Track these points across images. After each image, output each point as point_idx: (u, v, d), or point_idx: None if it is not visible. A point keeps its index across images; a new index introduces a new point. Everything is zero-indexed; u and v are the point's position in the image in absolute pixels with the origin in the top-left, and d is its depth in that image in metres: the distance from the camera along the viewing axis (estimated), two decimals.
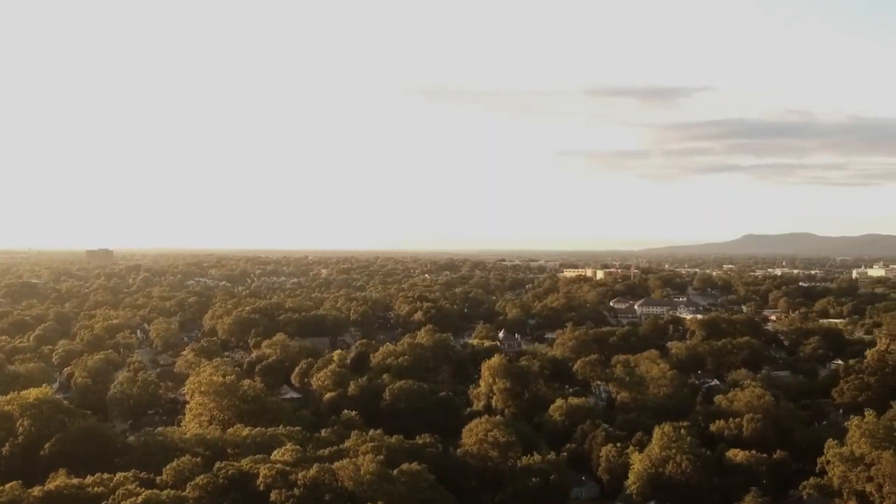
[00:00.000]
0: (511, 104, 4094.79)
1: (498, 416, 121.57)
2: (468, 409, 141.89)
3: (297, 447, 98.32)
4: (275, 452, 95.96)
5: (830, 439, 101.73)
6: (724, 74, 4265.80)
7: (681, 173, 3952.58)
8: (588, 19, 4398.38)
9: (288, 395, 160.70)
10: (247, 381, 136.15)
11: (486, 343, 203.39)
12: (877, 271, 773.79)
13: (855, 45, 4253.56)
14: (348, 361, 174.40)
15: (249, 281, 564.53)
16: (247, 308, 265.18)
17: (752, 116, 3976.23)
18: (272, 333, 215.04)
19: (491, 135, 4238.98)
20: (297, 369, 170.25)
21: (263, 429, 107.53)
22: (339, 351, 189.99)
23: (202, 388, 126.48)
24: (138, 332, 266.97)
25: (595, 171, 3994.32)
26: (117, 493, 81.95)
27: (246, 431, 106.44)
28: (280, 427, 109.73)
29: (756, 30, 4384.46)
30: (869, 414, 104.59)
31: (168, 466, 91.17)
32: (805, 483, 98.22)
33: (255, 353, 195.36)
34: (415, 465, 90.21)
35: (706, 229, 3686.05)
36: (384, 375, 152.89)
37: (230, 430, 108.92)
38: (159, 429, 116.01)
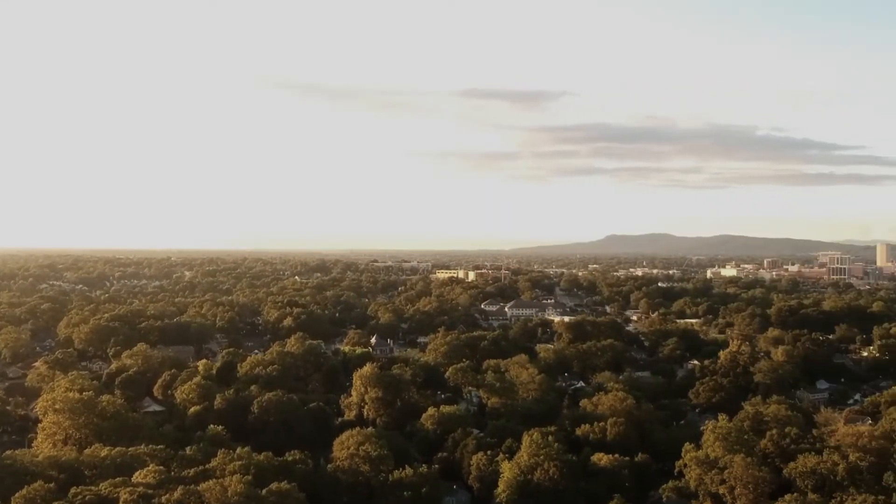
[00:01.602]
0: (382, 103, 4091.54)
1: (370, 428, 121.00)
2: (340, 420, 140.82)
3: (161, 467, 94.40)
4: (136, 474, 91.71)
5: (687, 443, 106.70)
6: (588, 80, 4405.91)
7: (548, 175, 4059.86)
8: (458, 21, 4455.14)
9: (150, 409, 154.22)
10: (106, 397, 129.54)
11: (359, 350, 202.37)
12: (729, 271, 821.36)
13: (712, 53, 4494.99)
14: (214, 372, 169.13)
15: (108, 284, 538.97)
16: (105, 315, 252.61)
17: (615, 121, 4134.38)
18: (133, 342, 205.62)
19: (361, 133, 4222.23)
20: (159, 381, 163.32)
21: (124, 448, 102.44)
22: (204, 360, 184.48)
23: (56, 406, 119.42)
24: None
25: (466, 172, 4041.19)
26: None
27: (105, 452, 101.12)
28: (142, 445, 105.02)
29: (619, 37, 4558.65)
30: (722, 418, 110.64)
31: (17, 494, 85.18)
32: (664, 486, 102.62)
33: (114, 364, 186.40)
34: (284, 484, 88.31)
35: (573, 229, 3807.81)
36: (252, 387, 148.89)
37: (87, 451, 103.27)
38: (8, 451, 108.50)
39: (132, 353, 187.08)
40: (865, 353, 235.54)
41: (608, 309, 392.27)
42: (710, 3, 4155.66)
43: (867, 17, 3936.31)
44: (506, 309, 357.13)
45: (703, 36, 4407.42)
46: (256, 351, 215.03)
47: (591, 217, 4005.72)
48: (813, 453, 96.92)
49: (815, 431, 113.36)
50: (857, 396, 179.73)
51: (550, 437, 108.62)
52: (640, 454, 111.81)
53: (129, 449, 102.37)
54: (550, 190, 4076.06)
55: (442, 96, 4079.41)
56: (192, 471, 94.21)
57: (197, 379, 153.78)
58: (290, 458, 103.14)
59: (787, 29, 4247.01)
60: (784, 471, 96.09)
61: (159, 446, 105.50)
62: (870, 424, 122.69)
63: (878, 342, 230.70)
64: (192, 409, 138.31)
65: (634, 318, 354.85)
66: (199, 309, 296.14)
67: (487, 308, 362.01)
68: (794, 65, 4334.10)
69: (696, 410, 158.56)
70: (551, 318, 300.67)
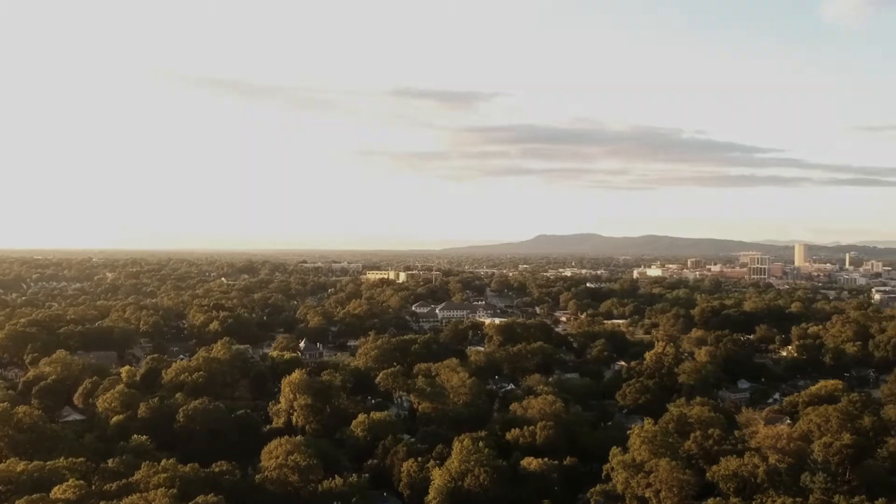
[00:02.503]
0: (309, 101, 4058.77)
1: (299, 436, 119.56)
2: (268, 427, 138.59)
3: (81, 482, 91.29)
4: (55, 489, 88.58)
5: (615, 447, 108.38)
6: (519, 81, 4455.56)
7: (479, 175, 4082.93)
8: (387, 19, 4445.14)
9: (70, 418, 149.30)
10: (22, 408, 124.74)
11: (287, 355, 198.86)
12: (654, 271, 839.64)
13: (639, 57, 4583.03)
14: (138, 379, 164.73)
15: (25, 287, 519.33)
16: (22, 320, 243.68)
17: (545, 123, 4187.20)
18: (52, 349, 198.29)
19: (289, 131, 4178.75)
20: (80, 389, 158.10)
21: (41, 462, 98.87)
22: (127, 367, 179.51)
23: None
24: None
25: (396, 171, 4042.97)
26: None
27: (21, 466, 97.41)
28: (61, 458, 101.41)
29: (550, 40, 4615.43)
30: (647, 422, 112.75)
31: None
32: (593, 489, 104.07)
33: (31, 372, 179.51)
34: (211, 497, 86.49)
35: (503, 230, 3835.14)
36: (177, 394, 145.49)
37: (2, 465, 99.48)
38: None
39: (51, 360, 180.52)
40: (784, 353, 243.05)
41: (538, 310, 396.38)
42: (638, 9, 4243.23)
43: (788, 24, 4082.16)
44: (437, 311, 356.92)
45: (630, 41, 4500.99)
46: (182, 356, 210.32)
47: (521, 217, 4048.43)
48: (734, 455, 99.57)
49: (736, 433, 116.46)
50: (777, 395, 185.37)
51: (481, 443, 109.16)
52: (568, 458, 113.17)
53: (48, 462, 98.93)
54: (481, 190, 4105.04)
55: (372, 95, 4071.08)
56: (114, 485, 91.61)
57: (120, 387, 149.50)
58: (216, 470, 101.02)
59: (712, 34, 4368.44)
60: (707, 473, 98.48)
61: (79, 459, 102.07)
62: (788, 424, 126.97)
63: (796, 342, 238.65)
64: (115, 419, 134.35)
65: (563, 318, 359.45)
66: (121, 312, 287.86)
67: (418, 310, 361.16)
68: (718, 69, 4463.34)
69: (624, 412, 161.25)
70: (482, 319, 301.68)
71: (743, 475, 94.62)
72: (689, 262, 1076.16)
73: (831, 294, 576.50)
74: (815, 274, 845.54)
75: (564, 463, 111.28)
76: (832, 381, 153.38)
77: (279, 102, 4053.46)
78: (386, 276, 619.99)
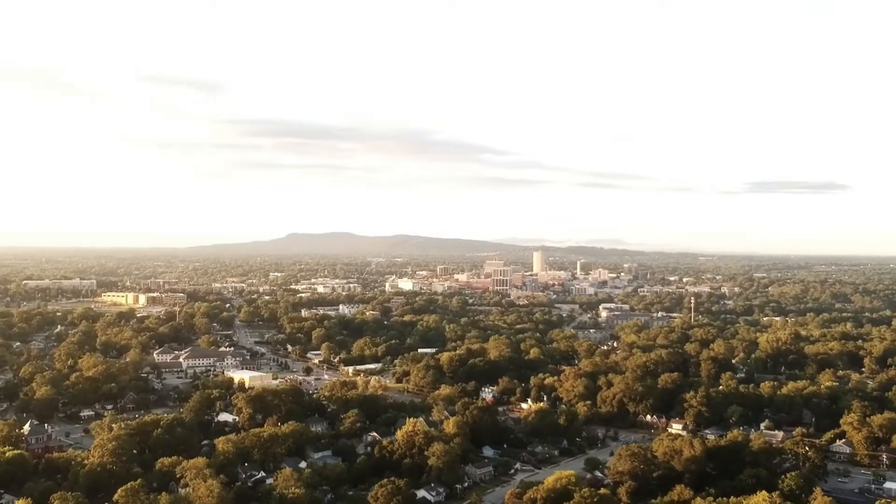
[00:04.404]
0: (46, 83, 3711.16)
1: None
2: None
3: None
4: None
5: None
6: (281, 72, 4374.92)
7: (231, 168, 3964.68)
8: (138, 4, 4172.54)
9: None
10: None
11: (9, 452, 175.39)
12: (406, 283, 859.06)
13: (397, 54, 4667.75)
14: None
15: None
16: None
17: (304, 117, 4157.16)
18: None
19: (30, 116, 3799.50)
20: None
21: None
22: None
23: None
24: None
25: (145, 163, 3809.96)
26: None
27: None
28: None
29: (315, 34, 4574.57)
30: None
31: None
32: None
33: None
34: None
35: (255, 227, 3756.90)
36: None
37: None
38: None
39: None
40: (525, 406, 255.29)
41: (289, 348, 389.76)
42: (395, 8, 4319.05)
43: (538, 28, 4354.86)
44: (181, 359, 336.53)
45: (386, 39, 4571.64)
46: None
47: (274, 214, 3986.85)
48: None
49: None
50: (518, 465, 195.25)
51: None
52: None
53: None
54: (233, 184, 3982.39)
55: (120, 80, 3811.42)
56: None
57: None
58: None
59: (466, 36, 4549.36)
60: None
61: None
62: None
63: (534, 401, 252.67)
64: None
65: (315, 360, 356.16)
66: None
67: (161, 359, 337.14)
68: (473, 73, 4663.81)
69: None
70: (230, 375, 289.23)
71: None
72: (438, 270, 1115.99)
73: (565, 310, 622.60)
74: (552, 283, 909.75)
75: None
76: (566, 474, 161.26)
77: (23, 84, 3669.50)
78: (124, 302, 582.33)
